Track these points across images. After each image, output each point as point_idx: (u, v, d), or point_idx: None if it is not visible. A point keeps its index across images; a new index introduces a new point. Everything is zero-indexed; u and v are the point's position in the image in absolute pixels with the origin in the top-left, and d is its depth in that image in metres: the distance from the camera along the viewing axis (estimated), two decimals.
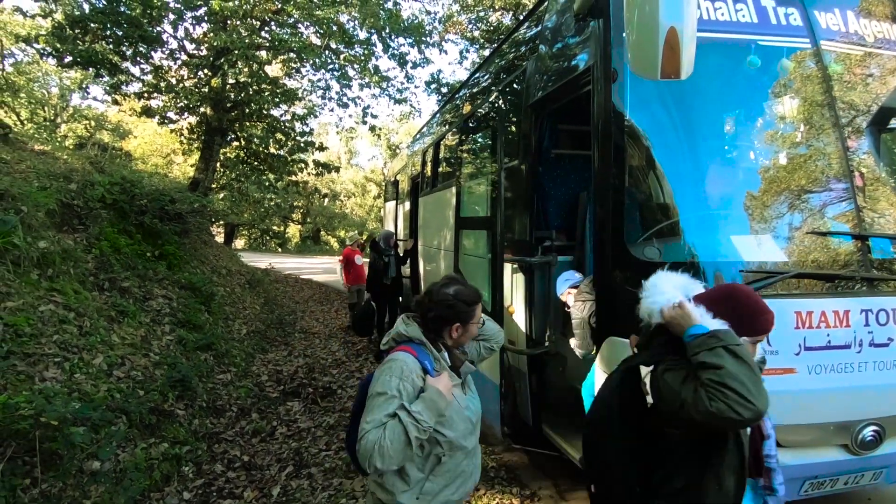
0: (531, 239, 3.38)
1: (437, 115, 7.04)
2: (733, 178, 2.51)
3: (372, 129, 12.90)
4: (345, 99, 12.32)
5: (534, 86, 3.31)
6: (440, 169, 6.05)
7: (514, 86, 3.70)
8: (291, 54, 11.53)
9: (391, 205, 10.42)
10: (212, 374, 5.40)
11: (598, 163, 2.52)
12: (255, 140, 12.74)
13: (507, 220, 3.58)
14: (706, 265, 2.28)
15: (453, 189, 4.98)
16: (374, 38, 11.92)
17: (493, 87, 4.14)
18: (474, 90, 4.88)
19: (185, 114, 12.45)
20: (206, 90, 11.17)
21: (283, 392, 5.58)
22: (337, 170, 15.12)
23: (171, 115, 12.28)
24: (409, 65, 12.22)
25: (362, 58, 11.96)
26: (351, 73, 11.77)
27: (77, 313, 4.46)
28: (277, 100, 12.07)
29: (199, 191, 10.18)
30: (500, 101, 3.53)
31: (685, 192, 2.44)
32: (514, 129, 3.61)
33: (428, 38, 12.30)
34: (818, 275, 2.29)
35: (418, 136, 8.51)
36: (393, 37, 11.65)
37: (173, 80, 11.46)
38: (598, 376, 2.55)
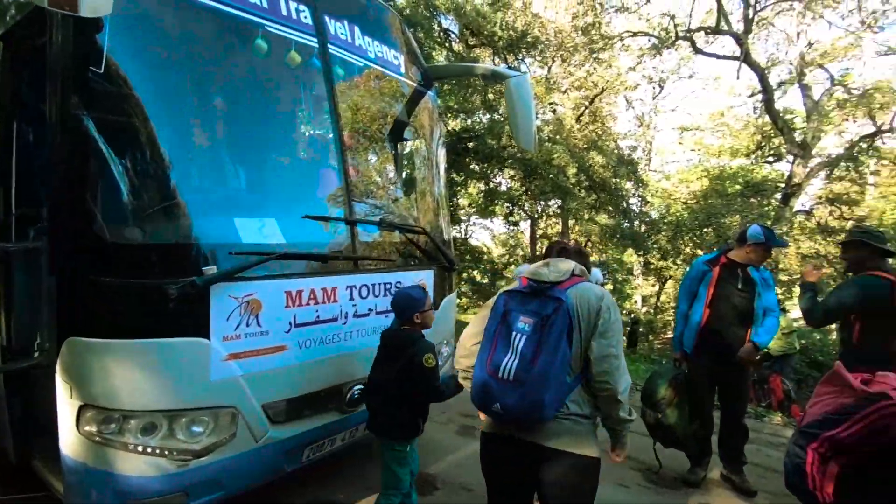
0: (9, 219, 2.54)
1: None
2: (231, 160, 2.45)
3: None
4: None
5: (4, 10, 2.46)
6: None
7: None
8: None
9: None
10: None
11: (58, 126, 2.00)
12: None
13: None
14: (196, 247, 2.12)
15: None
16: None
17: None
18: None
19: None
20: None
21: None
22: None
23: None
24: None
25: None
26: None
27: None
28: None
29: None
30: None
31: (173, 170, 2.18)
32: None
33: None
34: (303, 255, 2.44)
35: None
36: None
37: None
38: (59, 386, 2.05)
